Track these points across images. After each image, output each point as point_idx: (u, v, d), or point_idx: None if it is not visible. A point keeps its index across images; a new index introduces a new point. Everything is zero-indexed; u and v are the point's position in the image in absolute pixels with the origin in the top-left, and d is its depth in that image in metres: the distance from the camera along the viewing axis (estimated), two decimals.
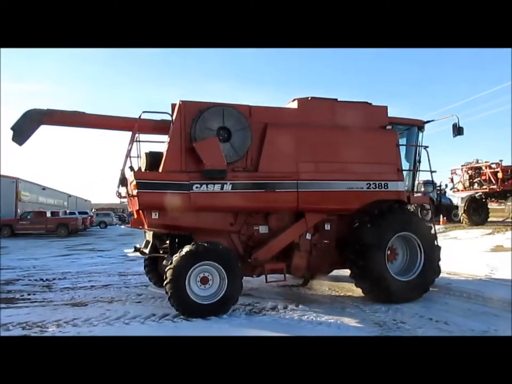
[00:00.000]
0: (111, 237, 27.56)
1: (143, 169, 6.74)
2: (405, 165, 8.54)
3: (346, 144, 7.12)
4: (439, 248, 7.27)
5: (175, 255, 5.96)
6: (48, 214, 27.54)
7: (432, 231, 7.55)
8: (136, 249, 7.78)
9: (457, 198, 23.49)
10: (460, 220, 20.56)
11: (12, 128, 6.90)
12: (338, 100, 7.46)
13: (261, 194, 6.61)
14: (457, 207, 22.18)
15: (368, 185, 7.18)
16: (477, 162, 20.08)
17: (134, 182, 6.15)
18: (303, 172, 6.81)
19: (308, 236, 7.01)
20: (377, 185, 7.23)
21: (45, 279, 9.64)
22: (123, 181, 6.22)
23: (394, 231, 6.94)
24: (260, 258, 6.68)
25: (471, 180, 20.04)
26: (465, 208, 19.74)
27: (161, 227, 6.62)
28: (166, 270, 5.92)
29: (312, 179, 6.86)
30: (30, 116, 6.86)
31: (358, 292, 7.19)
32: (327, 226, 7.33)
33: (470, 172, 20.14)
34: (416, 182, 8.63)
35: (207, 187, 6.34)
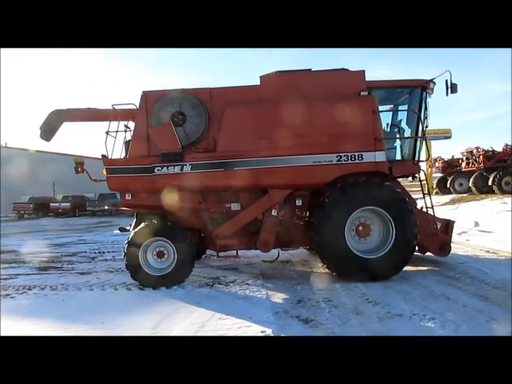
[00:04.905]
0: None
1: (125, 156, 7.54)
2: (407, 131, 7.79)
3: (312, 116, 6.81)
4: (415, 224, 6.49)
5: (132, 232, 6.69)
6: None
7: (417, 205, 6.79)
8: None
9: None
10: None
11: (40, 128, 8.37)
12: (312, 70, 7.16)
13: (219, 173, 6.83)
14: None
15: (339, 157, 6.78)
16: None
17: (105, 168, 7.02)
18: (263, 148, 6.78)
19: (274, 212, 7.00)
20: (349, 157, 6.78)
21: (102, 252, 11.35)
22: (76, 169, 7.13)
23: (355, 206, 6.49)
24: (222, 234, 6.97)
25: None
26: None
27: (134, 207, 7.39)
28: (124, 244, 6.70)
29: (273, 155, 6.79)
30: (54, 116, 8.20)
31: None
32: (299, 202, 7.19)
33: None
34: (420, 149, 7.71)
35: (167, 169, 6.86)
